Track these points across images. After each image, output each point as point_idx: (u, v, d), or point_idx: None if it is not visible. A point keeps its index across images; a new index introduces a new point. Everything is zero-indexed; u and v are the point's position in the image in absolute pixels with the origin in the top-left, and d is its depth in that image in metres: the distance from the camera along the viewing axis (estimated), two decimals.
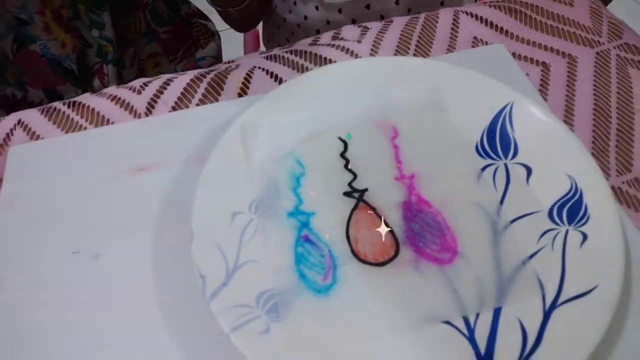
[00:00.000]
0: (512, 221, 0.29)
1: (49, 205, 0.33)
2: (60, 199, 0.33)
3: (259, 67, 0.40)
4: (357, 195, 0.31)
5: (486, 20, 0.43)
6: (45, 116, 0.38)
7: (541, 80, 0.38)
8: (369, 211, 0.30)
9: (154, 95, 0.39)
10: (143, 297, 0.28)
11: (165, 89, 0.39)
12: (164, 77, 0.40)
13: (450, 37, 0.42)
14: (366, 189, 0.31)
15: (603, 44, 0.41)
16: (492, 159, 0.32)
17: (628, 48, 0.40)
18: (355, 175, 0.32)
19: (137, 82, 0.40)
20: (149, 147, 0.36)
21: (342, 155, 0.33)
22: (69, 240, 0.31)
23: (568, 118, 0.36)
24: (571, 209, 0.29)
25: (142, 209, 0.32)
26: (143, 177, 0.34)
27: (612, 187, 0.32)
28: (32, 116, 0.39)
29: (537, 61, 0.40)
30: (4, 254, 0.31)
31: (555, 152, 0.31)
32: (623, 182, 0.33)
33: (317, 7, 0.54)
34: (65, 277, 0.30)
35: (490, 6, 0.44)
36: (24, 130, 0.38)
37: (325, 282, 0.27)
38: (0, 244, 0.31)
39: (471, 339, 0.25)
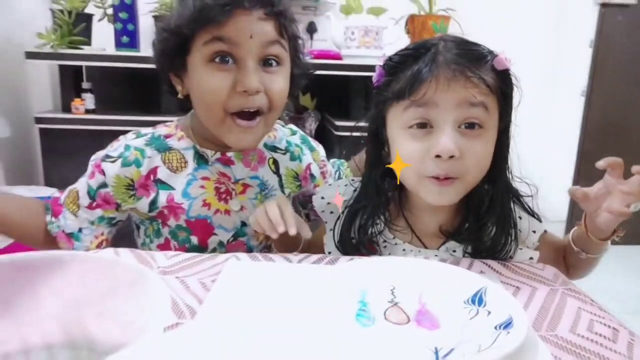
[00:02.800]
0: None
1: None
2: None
3: None
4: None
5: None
6: None
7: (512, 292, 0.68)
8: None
9: None
10: None
11: None
12: None
13: None
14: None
15: (554, 285, 0.71)
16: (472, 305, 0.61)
17: (570, 290, 0.70)
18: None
19: None
20: None
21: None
22: None
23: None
24: (507, 326, 0.56)
25: None
26: None
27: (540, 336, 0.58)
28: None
29: (511, 285, 0.70)
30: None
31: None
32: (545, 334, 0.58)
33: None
34: None
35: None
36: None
37: (368, 323, 0.56)
38: None
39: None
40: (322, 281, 0.64)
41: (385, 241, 0.80)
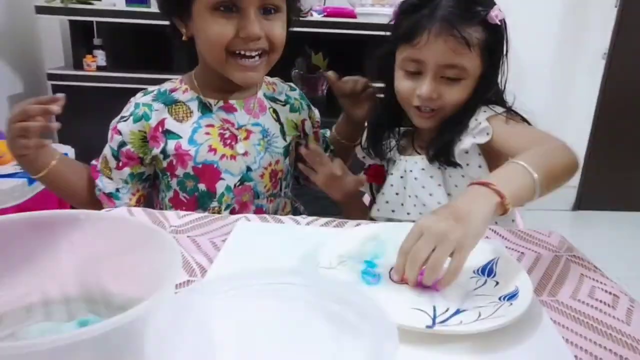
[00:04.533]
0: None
1: None
2: None
3: None
4: None
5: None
6: None
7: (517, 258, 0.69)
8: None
9: None
10: None
11: None
12: None
13: None
14: None
15: (559, 252, 0.72)
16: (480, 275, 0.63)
17: (575, 257, 0.70)
18: None
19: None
20: None
21: None
22: None
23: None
24: (511, 298, 0.57)
25: None
26: None
27: (540, 301, 0.59)
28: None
29: (516, 250, 0.72)
30: None
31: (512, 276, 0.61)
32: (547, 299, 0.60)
33: None
34: None
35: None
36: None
37: (373, 281, 0.58)
38: None
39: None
40: (330, 244, 0.66)
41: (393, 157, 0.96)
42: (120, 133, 0.90)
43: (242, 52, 0.83)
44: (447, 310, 0.55)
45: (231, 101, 0.94)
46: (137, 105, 0.90)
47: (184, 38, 0.87)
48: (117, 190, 0.92)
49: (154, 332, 0.38)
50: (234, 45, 0.82)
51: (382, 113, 0.97)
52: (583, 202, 2.76)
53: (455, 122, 0.84)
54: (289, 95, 1.04)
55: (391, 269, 0.61)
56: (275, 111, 0.99)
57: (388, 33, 0.89)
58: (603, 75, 2.55)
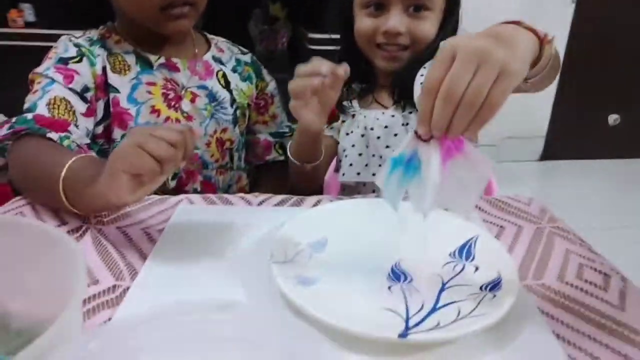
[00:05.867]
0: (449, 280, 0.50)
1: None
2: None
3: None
4: None
5: None
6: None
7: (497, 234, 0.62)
8: None
9: None
10: None
11: None
12: None
13: None
14: None
15: (541, 223, 0.65)
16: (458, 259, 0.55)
17: (558, 229, 0.63)
18: None
19: None
20: None
21: None
22: None
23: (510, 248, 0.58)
24: (493, 287, 0.49)
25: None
26: None
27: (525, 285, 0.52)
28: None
29: (495, 224, 0.64)
30: None
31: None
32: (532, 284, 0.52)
33: None
34: None
35: None
36: None
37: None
38: None
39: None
40: (284, 230, 0.57)
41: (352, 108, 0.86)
42: (78, 74, 0.74)
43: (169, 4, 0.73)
44: (421, 308, 0.47)
45: (174, 59, 0.83)
46: (78, 46, 0.77)
47: None
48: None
49: None
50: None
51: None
52: (550, 152, 2.75)
53: (423, 60, 0.71)
54: (238, 59, 0.93)
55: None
56: (224, 76, 0.89)
57: None
58: (572, 22, 2.48)
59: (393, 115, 0.81)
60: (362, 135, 0.82)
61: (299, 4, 2.01)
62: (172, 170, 0.53)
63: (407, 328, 0.44)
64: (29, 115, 0.67)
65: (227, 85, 0.88)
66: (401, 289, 0.50)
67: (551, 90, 2.60)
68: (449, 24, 0.80)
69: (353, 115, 0.85)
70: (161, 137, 0.50)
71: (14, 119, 0.67)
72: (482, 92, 0.40)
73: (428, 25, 0.77)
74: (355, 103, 0.86)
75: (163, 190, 0.76)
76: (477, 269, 0.53)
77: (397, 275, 0.53)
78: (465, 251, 0.56)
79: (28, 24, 1.67)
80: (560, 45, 2.52)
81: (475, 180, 0.44)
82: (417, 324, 0.45)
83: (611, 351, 0.44)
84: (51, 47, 0.80)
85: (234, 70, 0.91)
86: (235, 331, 0.30)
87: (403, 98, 0.80)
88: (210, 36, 0.93)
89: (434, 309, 0.47)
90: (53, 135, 0.66)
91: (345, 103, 0.86)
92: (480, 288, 0.50)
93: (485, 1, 2.21)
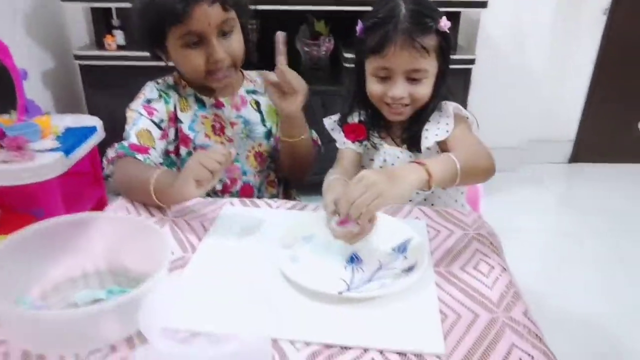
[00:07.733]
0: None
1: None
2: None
3: None
4: None
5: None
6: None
7: (433, 236, 0.91)
8: None
9: None
10: None
11: None
12: None
13: None
14: None
15: (469, 230, 0.92)
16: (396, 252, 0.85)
17: (480, 235, 0.91)
18: None
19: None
20: None
21: None
22: None
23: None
24: (409, 270, 0.79)
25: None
26: None
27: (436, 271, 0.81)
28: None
29: (434, 228, 0.93)
30: None
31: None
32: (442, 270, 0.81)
33: None
34: None
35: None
36: None
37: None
38: None
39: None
40: (288, 227, 0.89)
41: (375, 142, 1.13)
42: (157, 111, 1.08)
43: (215, 70, 1.05)
44: (360, 280, 0.78)
45: (221, 99, 1.16)
46: (159, 89, 1.12)
47: (165, 64, 1.10)
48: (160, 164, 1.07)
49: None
50: (208, 68, 1.04)
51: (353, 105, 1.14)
52: (579, 155, 2.87)
53: (423, 113, 1.05)
54: None
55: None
56: (257, 102, 1.20)
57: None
58: (603, 32, 2.58)
59: (401, 152, 1.10)
60: (381, 167, 1.11)
61: (340, 22, 2.29)
62: (219, 177, 0.87)
63: (348, 290, 0.75)
64: (126, 143, 1.04)
65: (259, 109, 1.19)
66: (352, 268, 0.81)
67: (580, 96, 2.73)
68: (442, 85, 1.03)
69: (375, 147, 1.13)
70: (212, 157, 0.85)
71: (117, 145, 1.05)
72: (364, 203, 0.74)
73: (425, 89, 1.00)
74: (379, 139, 1.13)
75: (214, 191, 1.13)
76: (405, 258, 0.83)
77: (352, 259, 0.83)
78: (402, 247, 0.86)
79: (119, 47, 2.09)
80: (591, 53, 2.65)
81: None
82: (355, 288, 0.76)
83: (468, 310, 0.72)
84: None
85: (264, 93, 1.18)
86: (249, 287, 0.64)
87: (410, 144, 1.07)
88: (245, 72, 1.21)
89: (368, 281, 0.78)
90: (140, 156, 1.02)
91: (376, 140, 1.12)
92: (403, 271, 0.80)
93: (518, 16, 2.37)
